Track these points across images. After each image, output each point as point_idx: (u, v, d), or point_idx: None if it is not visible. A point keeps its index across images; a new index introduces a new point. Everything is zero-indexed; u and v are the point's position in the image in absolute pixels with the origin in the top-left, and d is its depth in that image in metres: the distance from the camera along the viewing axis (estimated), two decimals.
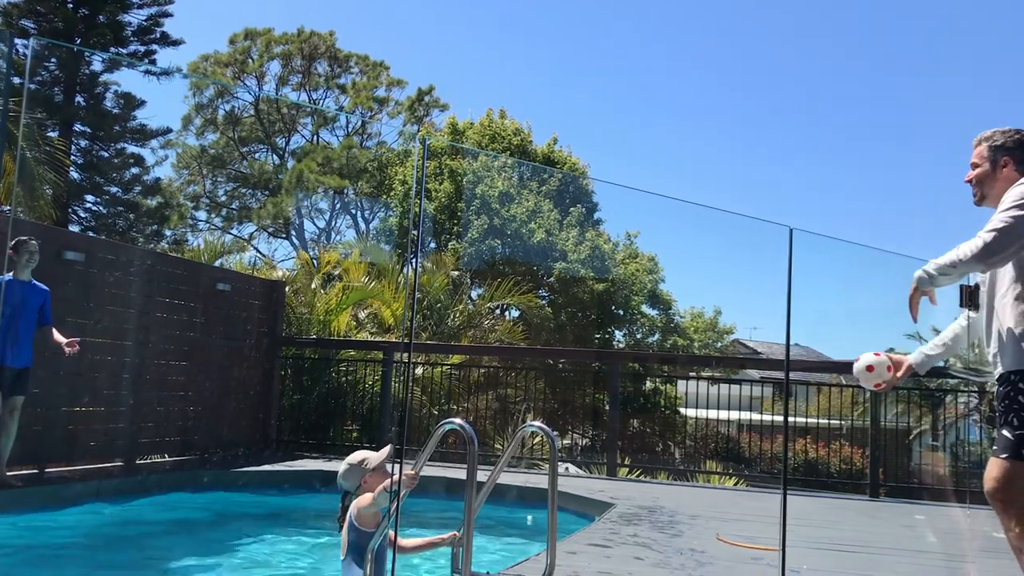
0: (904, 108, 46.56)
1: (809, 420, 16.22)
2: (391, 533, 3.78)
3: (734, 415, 13.82)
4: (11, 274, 6.35)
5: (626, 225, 24.04)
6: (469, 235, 20.45)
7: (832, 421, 15.26)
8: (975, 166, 3.46)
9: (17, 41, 19.66)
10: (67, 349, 6.51)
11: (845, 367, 13.21)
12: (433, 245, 21.26)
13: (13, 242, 6.27)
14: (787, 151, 48.30)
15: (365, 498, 3.73)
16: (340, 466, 3.93)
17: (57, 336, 6.56)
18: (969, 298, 3.41)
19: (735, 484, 10.28)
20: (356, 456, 3.95)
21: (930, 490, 9.32)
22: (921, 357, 3.64)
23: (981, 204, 3.45)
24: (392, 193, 23.97)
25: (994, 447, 3.30)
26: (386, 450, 3.94)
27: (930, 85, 45.62)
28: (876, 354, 3.57)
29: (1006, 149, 3.38)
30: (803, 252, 3.49)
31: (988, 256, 3.14)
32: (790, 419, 14.65)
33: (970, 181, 3.48)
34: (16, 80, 13.76)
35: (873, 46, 45.36)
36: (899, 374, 3.61)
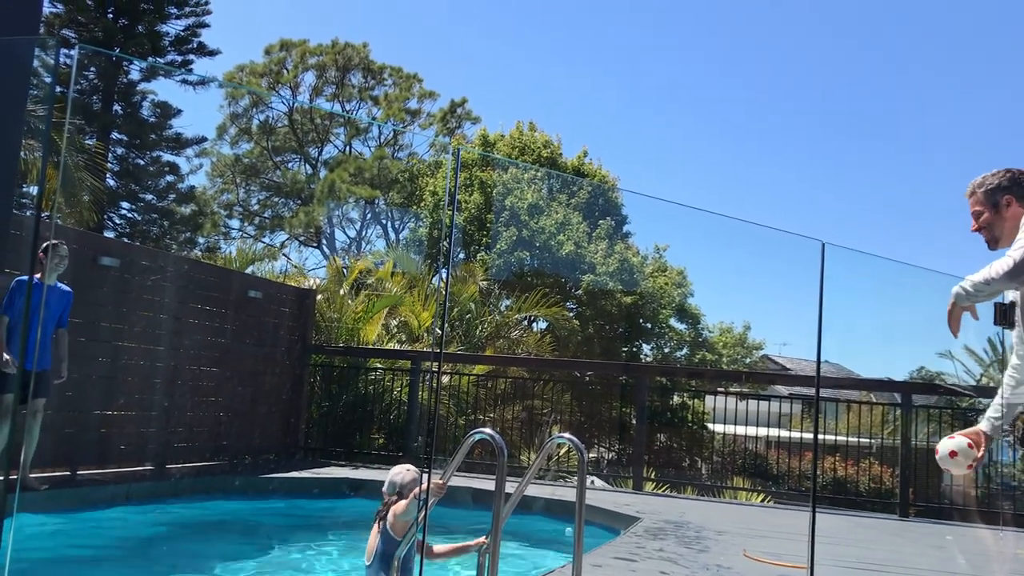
0: (943, 121, 46.11)
1: (838, 438, 16.06)
2: (432, 547, 3.84)
3: (762, 431, 13.73)
4: (38, 276, 6.41)
5: (655, 238, 24.00)
6: (498, 246, 20.50)
7: (861, 439, 15.09)
8: (978, 214, 3.45)
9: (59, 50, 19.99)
10: (61, 371, 6.61)
11: (876, 384, 13.10)
12: (462, 256, 21.34)
13: (44, 245, 6.33)
14: (821, 164, 47.96)
15: (400, 505, 3.78)
16: (398, 469, 4.00)
17: (65, 353, 6.63)
18: (1003, 316, 3.39)
19: (762, 500, 10.20)
20: (415, 470, 4.05)
21: (961, 511, 9.19)
22: (991, 424, 3.52)
23: (996, 248, 3.45)
24: (422, 204, 24.10)
25: None
26: (442, 474, 4.00)
27: (967, 97, 45.15)
28: (951, 437, 3.49)
29: (1003, 189, 3.39)
30: (835, 267, 3.48)
31: (1019, 274, 3.15)
32: (819, 436, 14.51)
33: (978, 230, 3.47)
34: (57, 89, 14.01)
35: (908, 59, 45.02)
36: (981, 449, 3.47)
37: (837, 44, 45.40)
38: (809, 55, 46.18)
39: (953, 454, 3.35)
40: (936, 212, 46.10)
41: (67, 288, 6.71)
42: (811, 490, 9.85)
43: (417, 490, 3.69)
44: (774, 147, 48.00)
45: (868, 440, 15.37)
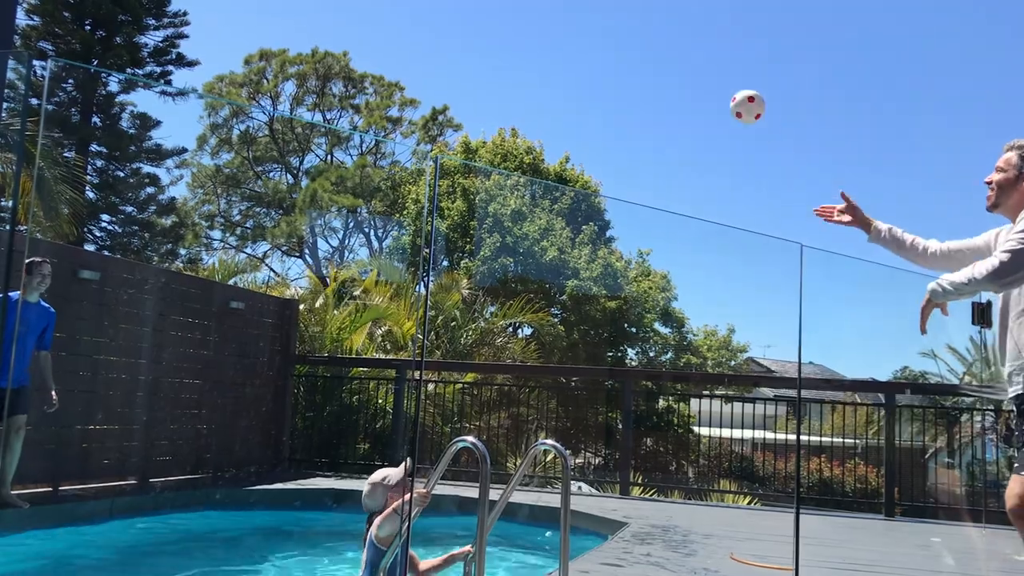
0: (918, 121, 46.48)
1: (823, 439, 16.11)
2: (412, 554, 3.79)
3: (748, 434, 13.75)
4: (18, 292, 6.33)
5: (638, 243, 24.04)
6: (482, 253, 20.50)
7: (846, 440, 15.15)
8: (1000, 170, 3.35)
9: (35, 62, 19.91)
10: (52, 397, 6.56)
11: (860, 385, 13.18)
12: (446, 263, 21.32)
13: (27, 262, 6.27)
14: (801, 166, 48.19)
15: (385, 516, 3.76)
16: (363, 488, 3.95)
17: (49, 376, 6.59)
18: (981, 315, 3.39)
19: (749, 503, 10.22)
20: (377, 475, 3.99)
21: (946, 510, 9.23)
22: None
23: (993, 211, 3.38)
24: (405, 212, 24.08)
25: (1015, 465, 3.27)
26: (404, 465, 3.97)
27: (942, 97, 45.53)
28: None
29: None
30: (815, 269, 3.48)
31: (1001, 277, 3.13)
32: (804, 437, 14.58)
33: (990, 183, 3.38)
34: (34, 101, 13.92)
35: (882, 59, 45.34)
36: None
37: (821, 42, 45.73)
38: (786, 56, 46.47)
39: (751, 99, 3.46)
40: (921, 213, 46.37)
41: (50, 308, 6.62)
42: (794, 491, 9.87)
43: (399, 501, 3.65)
44: (756, 149, 48.22)
45: (853, 440, 15.43)
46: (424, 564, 4.03)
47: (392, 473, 3.97)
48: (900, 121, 45.94)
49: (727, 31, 44.96)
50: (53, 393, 6.59)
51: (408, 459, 4.03)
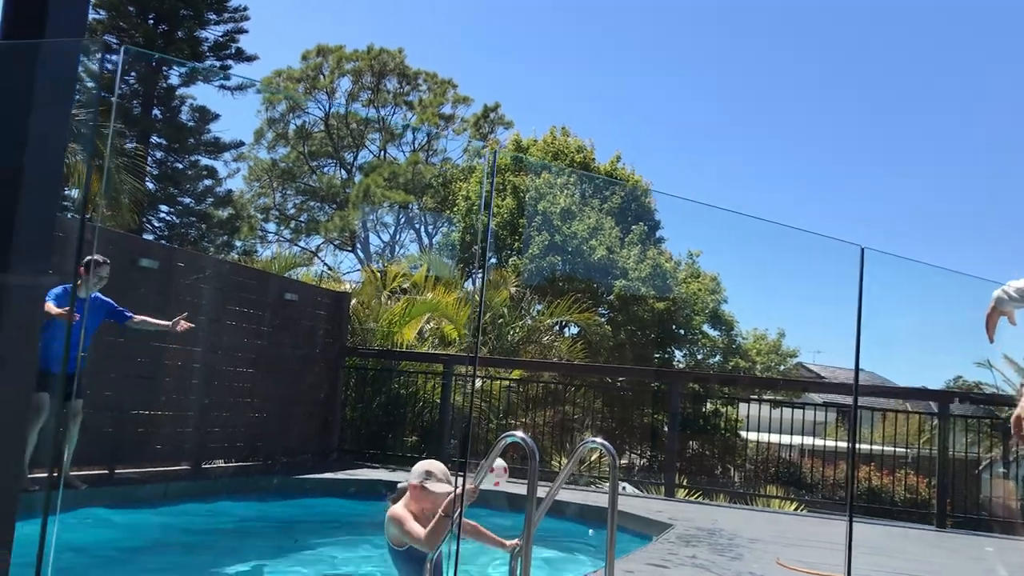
0: (989, 124, 45.43)
1: (873, 447, 15.85)
2: (466, 521, 3.69)
3: (796, 439, 13.60)
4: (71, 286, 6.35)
5: (688, 244, 23.81)
6: (530, 251, 20.51)
7: (897, 449, 14.89)
8: None
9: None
10: (180, 327, 6.78)
11: (912, 393, 12.90)
12: (494, 260, 21.38)
13: (85, 260, 6.19)
14: (862, 168, 47.39)
15: (396, 510, 3.73)
16: (418, 465, 3.84)
17: (153, 325, 6.81)
18: None
19: (795, 509, 10.12)
20: (421, 467, 3.81)
21: (1001, 522, 9.04)
22: None
23: None
24: (455, 208, 24.21)
25: None
26: (447, 488, 3.68)
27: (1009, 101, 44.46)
28: None
29: None
30: (872, 273, 3.44)
31: None
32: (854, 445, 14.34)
33: None
34: (101, 93, 14.22)
35: (954, 60, 44.41)
36: None
37: (880, 41, 44.93)
38: (848, 54, 45.74)
39: None
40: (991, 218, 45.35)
41: (102, 296, 6.69)
42: (847, 498, 9.75)
43: (447, 518, 3.54)
44: (814, 149, 47.53)
45: (904, 450, 15.16)
46: (472, 523, 3.92)
47: (438, 472, 3.74)
48: (954, 123, 44.99)
49: (784, 31, 44.41)
50: (168, 322, 6.81)
51: (461, 479, 3.77)
